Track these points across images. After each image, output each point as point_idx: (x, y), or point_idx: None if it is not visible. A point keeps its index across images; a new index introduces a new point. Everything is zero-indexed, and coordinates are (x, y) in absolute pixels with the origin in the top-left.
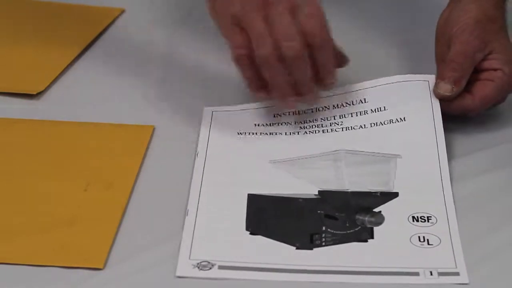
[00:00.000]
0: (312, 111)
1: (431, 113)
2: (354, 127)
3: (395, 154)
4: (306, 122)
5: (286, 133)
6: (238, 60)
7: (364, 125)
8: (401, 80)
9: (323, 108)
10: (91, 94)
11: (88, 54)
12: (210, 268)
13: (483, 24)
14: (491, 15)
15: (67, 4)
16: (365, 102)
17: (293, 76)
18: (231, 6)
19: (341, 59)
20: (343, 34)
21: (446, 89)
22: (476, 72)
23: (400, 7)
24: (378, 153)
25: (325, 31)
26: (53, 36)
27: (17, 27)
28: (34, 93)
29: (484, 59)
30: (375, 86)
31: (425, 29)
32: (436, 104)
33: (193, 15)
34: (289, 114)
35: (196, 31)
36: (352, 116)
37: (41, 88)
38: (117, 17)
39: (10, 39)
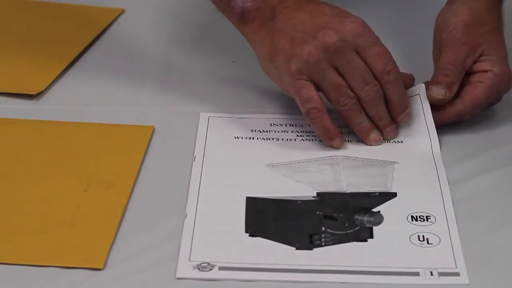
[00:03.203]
0: (309, 125)
1: (423, 118)
2: (351, 140)
3: (392, 161)
4: (303, 132)
5: (283, 138)
6: (309, 113)
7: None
8: None
9: None
10: (91, 94)
11: (88, 54)
12: (211, 269)
13: (472, 28)
14: (481, 17)
15: (67, 4)
16: None
17: (372, 113)
18: (294, 62)
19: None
20: None
21: (440, 93)
22: (467, 75)
23: (399, 9)
24: (375, 159)
25: (397, 67)
26: (53, 36)
27: (17, 27)
28: (34, 93)
29: (475, 61)
30: None
31: (425, 30)
32: (427, 106)
33: (193, 15)
34: (286, 125)
35: (196, 32)
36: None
37: (41, 88)
38: (117, 17)
39: (10, 39)
